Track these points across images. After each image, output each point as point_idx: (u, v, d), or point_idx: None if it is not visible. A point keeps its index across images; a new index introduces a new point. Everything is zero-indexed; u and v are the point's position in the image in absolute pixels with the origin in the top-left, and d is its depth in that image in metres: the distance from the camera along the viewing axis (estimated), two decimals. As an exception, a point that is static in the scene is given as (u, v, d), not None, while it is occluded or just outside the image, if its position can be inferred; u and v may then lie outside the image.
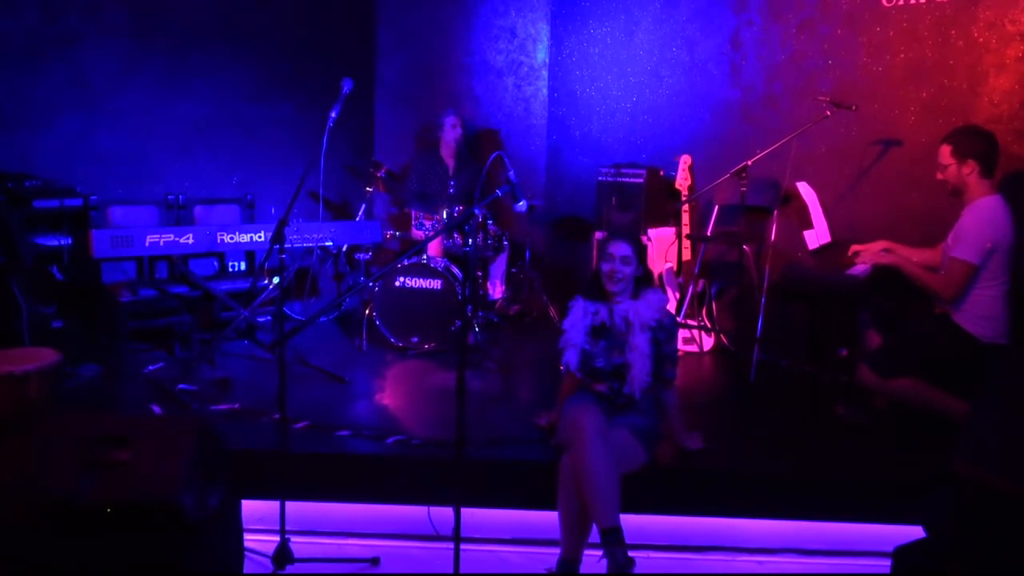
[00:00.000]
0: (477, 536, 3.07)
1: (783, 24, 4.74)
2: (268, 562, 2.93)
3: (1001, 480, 2.42)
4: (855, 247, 3.85)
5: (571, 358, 3.14)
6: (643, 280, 3.17)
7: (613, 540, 2.68)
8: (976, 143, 3.46)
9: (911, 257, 3.68)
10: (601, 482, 2.73)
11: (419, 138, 5.99)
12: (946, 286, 3.47)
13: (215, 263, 5.17)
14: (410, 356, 4.76)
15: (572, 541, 2.79)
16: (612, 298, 3.15)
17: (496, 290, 5.46)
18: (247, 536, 2.98)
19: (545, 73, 5.97)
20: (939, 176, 3.54)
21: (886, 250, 3.74)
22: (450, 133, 5.44)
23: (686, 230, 4.74)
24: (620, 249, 3.11)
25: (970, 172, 3.45)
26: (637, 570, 2.67)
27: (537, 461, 3.20)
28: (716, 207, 4.91)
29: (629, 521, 3.20)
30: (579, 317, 3.17)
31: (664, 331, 3.11)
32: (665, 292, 4.84)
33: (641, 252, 3.17)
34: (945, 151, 3.51)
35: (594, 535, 2.76)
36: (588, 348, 3.12)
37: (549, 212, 5.89)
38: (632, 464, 2.97)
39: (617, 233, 3.22)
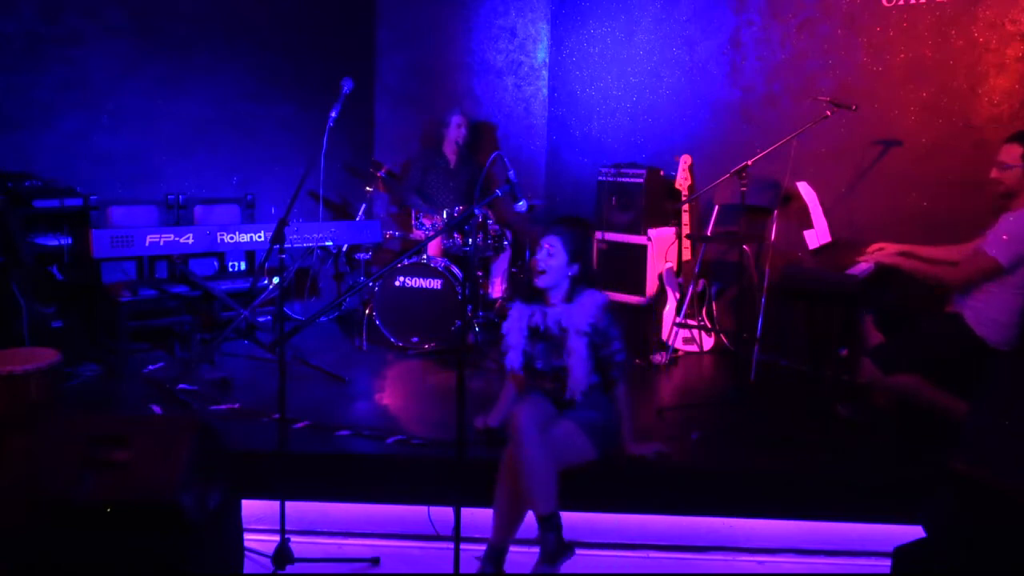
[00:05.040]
0: (477, 536, 3.06)
1: (783, 24, 4.74)
2: (268, 562, 2.93)
3: (1000, 480, 2.42)
4: (876, 244, 3.81)
5: (514, 361, 3.14)
6: (580, 280, 3.10)
7: (549, 526, 2.73)
8: None
9: (929, 255, 3.63)
10: (536, 471, 2.76)
11: (423, 135, 6.00)
12: (959, 273, 3.42)
13: (215, 263, 5.17)
14: (410, 356, 4.76)
15: (504, 529, 2.84)
16: (546, 300, 3.12)
17: (496, 290, 5.46)
18: (247, 536, 2.98)
19: (545, 73, 5.97)
20: (995, 175, 3.41)
21: (904, 253, 3.69)
22: (454, 131, 5.46)
23: (686, 230, 4.74)
24: (548, 240, 3.08)
25: None
26: (640, 570, 2.68)
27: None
28: (716, 207, 4.91)
29: (629, 521, 3.21)
30: (516, 320, 3.17)
31: (599, 334, 3.06)
32: (669, 289, 4.84)
33: (579, 248, 3.08)
34: (1014, 152, 3.36)
35: (593, 535, 2.77)
36: (528, 350, 3.13)
37: (549, 212, 5.89)
38: (577, 457, 2.97)
39: (556, 225, 3.14)
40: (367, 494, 3.31)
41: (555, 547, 2.72)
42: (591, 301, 3.09)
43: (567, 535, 2.78)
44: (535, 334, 3.13)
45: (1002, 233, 3.34)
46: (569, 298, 3.10)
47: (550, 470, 2.79)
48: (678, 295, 4.79)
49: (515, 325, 3.17)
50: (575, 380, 3.05)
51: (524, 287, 3.18)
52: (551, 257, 3.06)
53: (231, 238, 4.24)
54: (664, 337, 4.81)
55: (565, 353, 3.06)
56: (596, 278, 3.20)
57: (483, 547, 2.87)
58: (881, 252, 3.75)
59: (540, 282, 3.08)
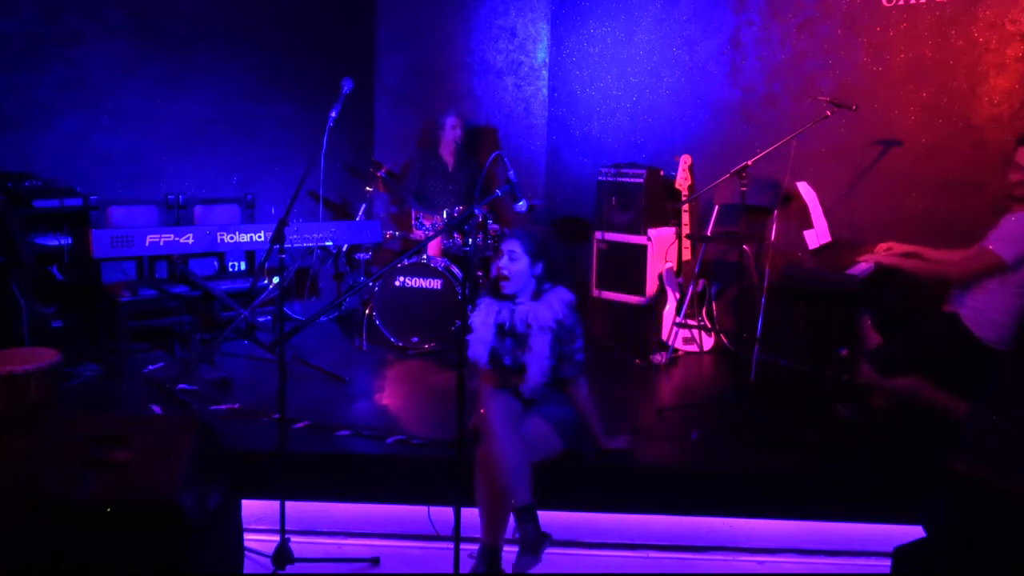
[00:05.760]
0: (477, 536, 3.06)
1: (783, 24, 4.74)
2: (268, 562, 2.93)
3: (1000, 480, 2.42)
4: (884, 244, 3.81)
5: (478, 354, 3.13)
6: (546, 279, 3.13)
7: (526, 517, 2.76)
8: None
9: (934, 257, 3.64)
10: (511, 465, 2.78)
11: (421, 138, 6.00)
12: (960, 268, 3.43)
13: (215, 263, 5.17)
14: (410, 356, 4.76)
15: (491, 527, 2.84)
16: (513, 299, 3.14)
17: (496, 290, 5.46)
18: (247, 536, 2.98)
19: (545, 73, 5.97)
20: (1012, 177, 3.39)
21: (910, 254, 3.69)
22: (450, 133, 5.46)
23: (686, 230, 4.74)
24: (508, 245, 3.09)
25: None
26: (640, 570, 2.68)
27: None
28: (716, 207, 4.91)
29: (629, 521, 3.21)
30: (484, 314, 3.17)
31: (565, 331, 3.09)
32: (669, 289, 4.84)
33: (540, 248, 3.12)
34: None
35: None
36: (496, 345, 3.14)
37: (549, 212, 5.89)
38: (547, 452, 3.03)
39: (515, 228, 3.16)
40: (367, 494, 3.31)
41: (535, 537, 2.75)
42: (559, 299, 3.11)
43: (567, 535, 2.79)
44: (502, 331, 3.15)
45: (1008, 231, 3.35)
46: (536, 296, 3.13)
47: (524, 462, 2.82)
48: (678, 295, 4.79)
49: (483, 320, 3.17)
50: (531, 376, 3.07)
51: (494, 283, 3.18)
52: (513, 262, 3.08)
53: (231, 238, 4.24)
54: (664, 337, 4.82)
55: (526, 349, 3.09)
56: (563, 274, 3.21)
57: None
58: (888, 252, 3.75)
59: (506, 288, 3.11)
